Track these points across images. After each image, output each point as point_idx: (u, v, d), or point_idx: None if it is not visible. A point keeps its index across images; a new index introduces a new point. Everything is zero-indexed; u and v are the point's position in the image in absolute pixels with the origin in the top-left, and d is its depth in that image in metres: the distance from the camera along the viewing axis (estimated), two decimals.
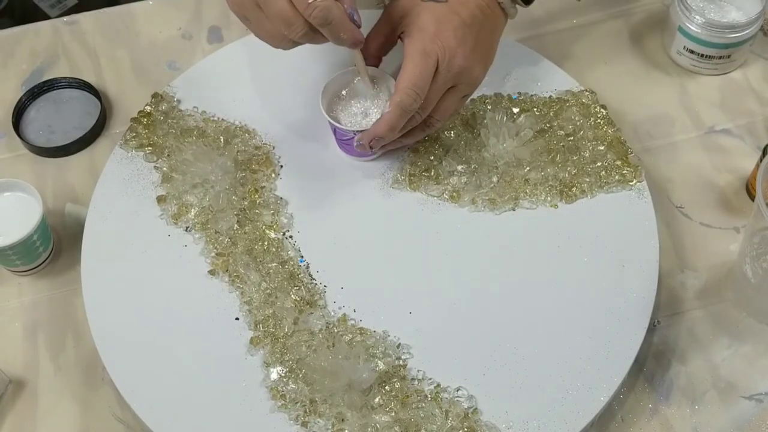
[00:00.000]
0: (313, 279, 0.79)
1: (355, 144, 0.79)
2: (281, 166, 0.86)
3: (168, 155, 0.86)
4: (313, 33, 0.70)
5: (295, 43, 0.72)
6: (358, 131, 0.79)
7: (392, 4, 0.80)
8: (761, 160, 0.79)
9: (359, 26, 0.72)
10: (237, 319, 0.77)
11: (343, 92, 0.82)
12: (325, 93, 0.81)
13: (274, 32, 0.71)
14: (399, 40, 0.79)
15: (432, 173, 0.84)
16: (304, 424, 0.72)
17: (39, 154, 0.91)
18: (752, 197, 0.84)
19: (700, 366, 0.77)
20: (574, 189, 0.82)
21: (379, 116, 0.78)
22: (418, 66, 0.74)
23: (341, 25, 0.70)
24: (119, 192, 0.84)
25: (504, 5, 0.80)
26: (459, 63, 0.76)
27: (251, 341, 0.76)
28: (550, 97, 0.88)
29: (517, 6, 0.81)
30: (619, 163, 0.83)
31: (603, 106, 0.87)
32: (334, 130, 0.82)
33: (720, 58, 0.91)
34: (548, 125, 0.85)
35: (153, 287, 0.79)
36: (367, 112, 0.81)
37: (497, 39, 0.81)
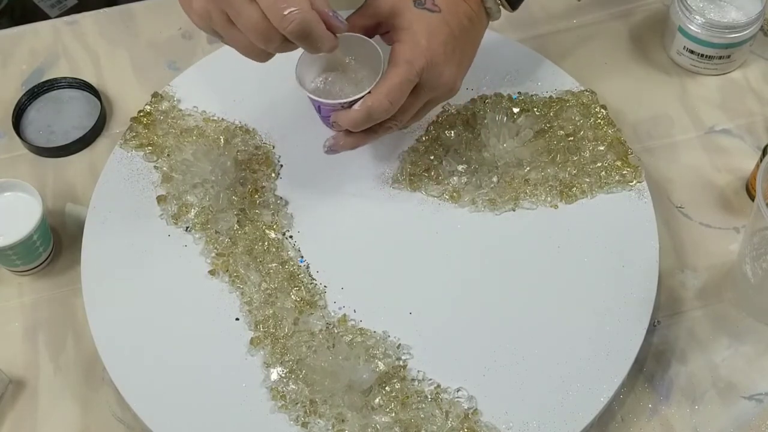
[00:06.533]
0: (313, 279, 0.79)
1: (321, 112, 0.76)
2: (281, 166, 0.86)
3: (168, 155, 0.86)
4: (290, 43, 0.67)
5: (272, 55, 0.69)
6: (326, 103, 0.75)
7: None
8: (761, 160, 0.79)
9: (343, 28, 0.68)
10: (237, 319, 0.77)
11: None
12: (303, 64, 0.76)
13: (251, 47, 0.68)
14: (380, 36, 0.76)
15: (432, 173, 0.84)
16: (304, 425, 0.72)
17: (39, 154, 0.91)
18: (752, 197, 0.84)
19: (700, 366, 0.77)
20: (574, 189, 0.82)
21: (356, 91, 0.75)
22: (400, 76, 0.72)
23: (319, 37, 0.66)
24: (119, 192, 0.84)
25: (491, 10, 0.78)
26: (443, 81, 0.75)
27: (251, 342, 0.76)
28: (550, 97, 0.88)
29: (502, 8, 0.79)
30: (619, 163, 0.83)
31: (603, 106, 0.87)
32: (318, 107, 0.78)
33: (720, 58, 0.91)
34: (548, 125, 0.85)
35: (153, 287, 0.79)
36: (345, 83, 0.76)
37: (478, 44, 0.79)
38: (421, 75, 0.73)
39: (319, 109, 0.77)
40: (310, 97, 0.75)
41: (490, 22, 0.80)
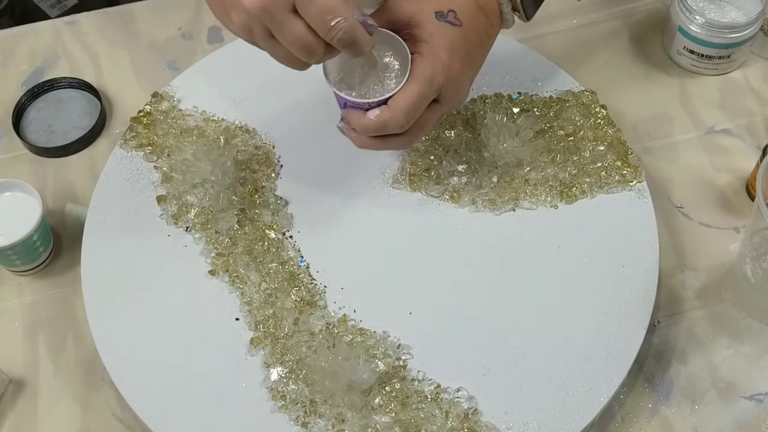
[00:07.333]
0: (313, 279, 0.79)
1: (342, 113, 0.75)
2: (281, 166, 0.86)
3: (168, 155, 0.86)
4: (330, 53, 0.67)
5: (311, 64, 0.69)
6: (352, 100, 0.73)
7: (396, 5, 0.74)
8: (761, 160, 0.79)
9: (374, 30, 0.68)
10: (237, 319, 0.77)
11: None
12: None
13: (292, 58, 0.67)
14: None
15: (432, 173, 0.84)
16: (304, 425, 0.72)
17: (39, 154, 0.91)
18: (752, 197, 0.84)
19: (700, 366, 0.77)
20: (574, 189, 0.82)
21: (383, 87, 0.74)
22: (420, 94, 0.71)
23: (363, 42, 0.66)
24: (119, 192, 0.84)
25: (507, 23, 0.77)
26: (460, 96, 0.74)
27: (251, 342, 0.76)
28: (550, 97, 0.88)
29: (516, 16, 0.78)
30: (619, 163, 0.83)
31: (603, 106, 0.87)
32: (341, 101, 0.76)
33: (720, 58, 0.91)
34: (548, 125, 0.85)
35: (153, 287, 0.79)
36: (372, 80, 0.75)
37: (488, 53, 0.78)
38: (441, 90, 0.72)
39: (340, 101, 0.75)
40: (330, 85, 0.73)
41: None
